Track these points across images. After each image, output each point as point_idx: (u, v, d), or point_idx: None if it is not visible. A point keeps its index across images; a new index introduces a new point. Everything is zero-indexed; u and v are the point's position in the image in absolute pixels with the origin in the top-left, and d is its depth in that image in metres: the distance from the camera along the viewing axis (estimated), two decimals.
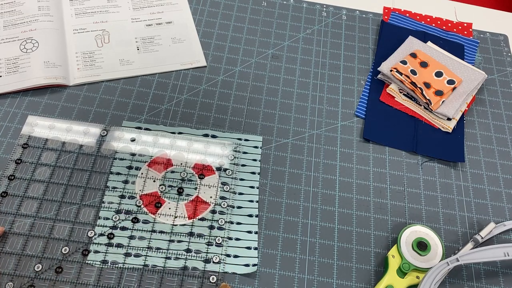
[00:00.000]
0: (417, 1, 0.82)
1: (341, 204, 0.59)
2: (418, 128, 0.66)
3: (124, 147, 0.60)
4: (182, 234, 0.55)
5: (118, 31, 0.72)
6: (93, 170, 0.58)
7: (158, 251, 0.54)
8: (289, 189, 0.60)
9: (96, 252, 0.53)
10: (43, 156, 0.59)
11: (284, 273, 0.54)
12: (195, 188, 0.58)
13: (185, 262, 0.53)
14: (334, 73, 0.71)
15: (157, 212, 0.56)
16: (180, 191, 0.58)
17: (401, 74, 0.68)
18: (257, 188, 0.59)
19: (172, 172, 0.59)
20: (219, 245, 0.55)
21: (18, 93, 0.64)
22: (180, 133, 0.63)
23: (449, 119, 0.66)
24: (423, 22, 0.79)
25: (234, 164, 0.61)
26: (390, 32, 0.76)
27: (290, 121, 0.66)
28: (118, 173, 0.58)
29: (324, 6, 0.79)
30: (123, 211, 0.56)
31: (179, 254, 0.54)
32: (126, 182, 0.58)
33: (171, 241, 0.54)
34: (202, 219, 0.56)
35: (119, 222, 0.55)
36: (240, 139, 0.63)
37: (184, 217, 0.56)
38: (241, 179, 0.60)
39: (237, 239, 0.55)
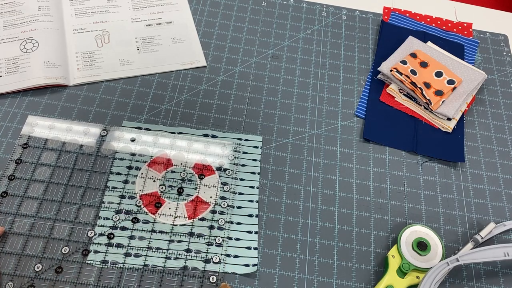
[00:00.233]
0: (417, 1, 0.82)
1: (341, 204, 0.59)
2: (418, 128, 0.66)
3: (124, 147, 0.60)
4: (182, 234, 0.55)
5: (118, 31, 0.72)
6: (93, 170, 0.58)
7: (158, 251, 0.54)
8: (289, 189, 0.60)
9: (96, 252, 0.53)
10: (43, 156, 0.59)
11: (284, 273, 0.54)
12: (195, 188, 0.58)
13: (185, 262, 0.53)
14: (334, 73, 0.71)
15: (157, 212, 0.56)
16: (180, 191, 0.58)
17: (401, 74, 0.68)
18: (257, 188, 0.59)
19: (172, 172, 0.59)
20: (219, 245, 0.55)
21: (18, 93, 0.64)
22: (180, 133, 0.63)
23: (449, 119, 0.66)
24: (423, 22, 0.79)
25: (234, 164, 0.61)
26: (390, 32, 0.76)
27: (290, 121, 0.66)
28: (118, 173, 0.58)
29: (324, 6, 0.79)
30: (123, 211, 0.56)
31: (179, 254, 0.54)
32: (126, 182, 0.58)
33: (171, 241, 0.54)
34: (202, 219, 0.56)
35: (119, 222, 0.55)
36: (240, 139, 0.63)
37: (184, 217, 0.56)
38: (241, 179, 0.60)
39: (237, 239, 0.55)
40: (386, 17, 0.79)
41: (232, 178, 0.60)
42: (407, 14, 0.79)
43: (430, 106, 0.66)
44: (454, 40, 0.77)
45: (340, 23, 0.77)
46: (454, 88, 0.68)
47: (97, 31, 0.71)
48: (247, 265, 0.54)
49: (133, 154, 0.60)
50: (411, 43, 0.73)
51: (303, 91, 0.69)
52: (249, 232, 0.56)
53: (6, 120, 0.61)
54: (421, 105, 0.68)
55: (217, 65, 0.70)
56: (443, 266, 0.52)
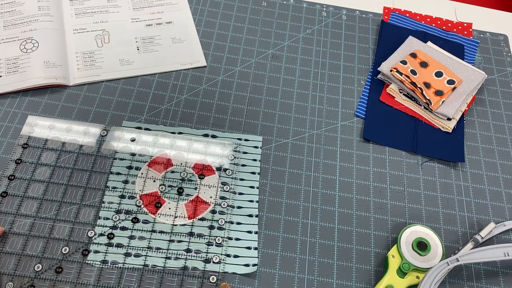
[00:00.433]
0: (417, 1, 0.82)
1: (341, 204, 0.59)
2: (418, 128, 0.66)
3: (124, 147, 0.60)
4: (182, 234, 0.55)
5: (118, 31, 0.72)
6: (93, 170, 0.58)
7: (158, 251, 0.54)
8: (289, 189, 0.60)
9: (96, 252, 0.53)
10: (43, 156, 0.59)
11: (284, 273, 0.54)
12: (195, 188, 0.58)
13: (185, 262, 0.53)
14: (334, 73, 0.71)
15: (157, 212, 0.56)
16: (180, 191, 0.58)
17: (401, 74, 0.68)
18: (257, 188, 0.59)
19: (172, 172, 0.59)
20: (219, 245, 0.55)
21: (18, 93, 0.64)
22: (180, 133, 0.63)
23: (449, 119, 0.66)
24: (423, 22, 0.79)
25: (234, 164, 0.61)
26: (390, 32, 0.76)
27: (290, 121, 0.66)
28: (118, 173, 0.58)
29: (324, 6, 0.79)
30: (123, 211, 0.56)
31: (179, 254, 0.54)
32: (126, 182, 0.58)
33: (171, 241, 0.54)
34: (202, 219, 0.56)
35: (119, 222, 0.55)
36: (240, 139, 0.63)
37: (184, 217, 0.56)
38: (241, 179, 0.60)
39: (237, 239, 0.55)
40: (386, 17, 0.79)
41: (232, 178, 0.60)
42: (407, 14, 0.79)
43: (430, 106, 0.66)
44: (454, 40, 0.77)
45: (340, 23, 0.77)
46: (454, 88, 0.68)
47: (97, 31, 0.71)
48: (247, 265, 0.54)
49: (133, 154, 0.60)
50: (411, 43, 0.73)
51: (303, 91, 0.69)
52: (249, 232, 0.56)
53: (6, 120, 0.61)
54: (421, 105, 0.68)
55: (217, 65, 0.70)
56: (443, 266, 0.52)
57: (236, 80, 0.69)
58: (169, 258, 0.53)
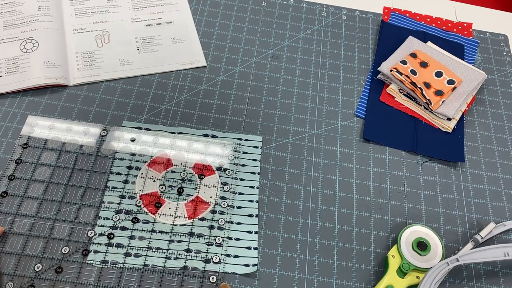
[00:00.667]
0: (417, 1, 0.82)
1: (341, 204, 0.59)
2: (418, 128, 0.66)
3: (124, 147, 0.60)
4: (182, 234, 0.55)
5: (118, 31, 0.72)
6: (93, 170, 0.58)
7: (158, 251, 0.54)
8: (289, 189, 0.60)
9: (96, 252, 0.53)
10: (43, 156, 0.59)
11: (284, 273, 0.54)
12: (195, 188, 0.58)
13: (185, 262, 0.53)
14: (334, 73, 0.71)
15: (157, 212, 0.56)
16: (180, 191, 0.58)
17: (401, 74, 0.68)
18: (257, 188, 0.59)
19: (172, 172, 0.59)
20: (219, 245, 0.55)
21: (18, 93, 0.64)
22: (180, 133, 0.63)
23: (449, 119, 0.66)
24: (423, 22, 0.79)
25: (234, 164, 0.61)
26: (390, 32, 0.76)
27: (290, 121, 0.66)
28: (118, 173, 0.58)
29: (324, 6, 0.79)
30: (123, 211, 0.56)
31: (179, 254, 0.54)
32: (126, 182, 0.58)
33: (171, 241, 0.54)
34: (202, 219, 0.56)
35: (119, 222, 0.55)
36: (240, 139, 0.63)
37: (184, 217, 0.56)
38: (241, 179, 0.60)
39: (237, 239, 0.55)
40: (386, 17, 0.79)
41: (232, 178, 0.60)
42: (407, 14, 0.79)
43: (430, 106, 0.66)
44: (454, 40, 0.77)
45: (340, 23, 0.77)
46: (454, 88, 0.68)
47: (97, 31, 0.71)
48: (247, 265, 0.54)
49: (133, 154, 0.60)
50: (411, 43, 0.73)
51: (303, 91, 0.69)
52: (249, 232, 0.56)
53: (6, 120, 0.61)
54: (421, 105, 0.68)
55: (217, 65, 0.70)
56: (443, 266, 0.52)
57: (236, 80, 0.69)
58: (169, 258, 0.53)
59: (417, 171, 0.63)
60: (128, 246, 0.54)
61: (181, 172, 0.59)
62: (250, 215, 0.57)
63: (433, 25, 0.79)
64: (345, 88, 0.70)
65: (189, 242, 0.55)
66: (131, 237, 0.54)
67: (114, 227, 0.55)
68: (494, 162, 0.65)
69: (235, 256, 0.54)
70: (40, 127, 0.61)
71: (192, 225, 0.56)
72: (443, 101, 0.66)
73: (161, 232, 0.55)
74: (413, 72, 0.68)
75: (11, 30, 0.69)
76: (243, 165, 0.61)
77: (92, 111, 0.63)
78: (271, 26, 0.76)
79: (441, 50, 0.72)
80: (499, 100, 0.72)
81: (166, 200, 0.57)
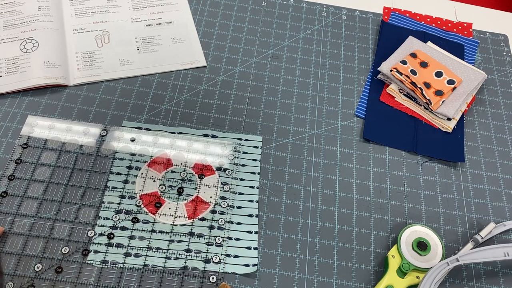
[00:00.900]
0: (417, 1, 0.82)
1: (341, 204, 0.59)
2: (418, 128, 0.66)
3: (124, 147, 0.60)
4: (182, 234, 0.55)
5: (118, 31, 0.72)
6: (93, 170, 0.58)
7: (158, 251, 0.54)
8: (289, 189, 0.60)
9: (96, 252, 0.53)
10: (43, 156, 0.59)
11: (284, 273, 0.54)
12: (195, 188, 0.58)
13: (185, 262, 0.53)
14: (334, 73, 0.71)
15: (157, 212, 0.56)
16: (180, 191, 0.58)
17: (401, 74, 0.68)
18: (257, 188, 0.59)
19: (172, 172, 0.59)
20: (219, 245, 0.55)
21: (18, 93, 0.64)
22: (180, 133, 0.63)
23: (449, 119, 0.66)
24: (423, 22, 0.79)
25: (234, 164, 0.61)
26: (390, 32, 0.76)
27: (290, 121, 0.66)
28: (118, 173, 0.58)
29: (324, 6, 0.79)
30: (123, 211, 0.56)
31: (179, 254, 0.54)
32: (126, 182, 0.58)
33: (171, 241, 0.54)
34: (202, 219, 0.56)
35: (119, 222, 0.55)
36: (240, 139, 0.63)
37: (184, 217, 0.56)
38: (241, 179, 0.60)
39: (237, 239, 0.55)
40: (386, 17, 0.79)
41: (232, 178, 0.60)
42: (407, 14, 0.79)
43: (430, 106, 0.66)
44: (454, 40, 0.77)
45: (340, 23, 0.77)
46: (454, 88, 0.68)
47: (97, 31, 0.71)
48: (247, 265, 0.54)
49: (133, 154, 0.60)
50: (411, 43, 0.73)
51: (303, 91, 0.69)
52: (249, 232, 0.56)
53: (6, 120, 0.61)
54: (421, 105, 0.68)
55: (217, 65, 0.70)
56: (443, 266, 0.52)
57: (236, 80, 0.69)
58: (169, 258, 0.53)
59: (417, 171, 0.63)
60: (128, 246, 0.54)
61: (181, 172, 0.59)
62: (250, 215, 0.57)
63: (433, 25, 0.79)
64: (345, 88, 0.70)
65: (189, 242, 0.55)
66: (131, 237, 0.54)
67: (114, 227, 0.55)
68: (494, 162, 0.65)
69: (235, 256, 0.54)
70: (40, 127, 0.61)
71: (192, 225, 0.56)
72: (443, 101, 0.66)
73: (161, 232, 0.55)
74: (413, 72, 0.68)
75: (11, 30, 0.69)
76: (243, 165, 0.61)
77: (92, 111, 0.63)
78: (271, 26, 0.76)
79: (441, 50, 0.72)
80: (499, 100, 0.72)
81: (166, 200, 0.57)
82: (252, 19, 0.76)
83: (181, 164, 0.60)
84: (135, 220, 0.55)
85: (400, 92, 0.69)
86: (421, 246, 0.54)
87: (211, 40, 0.73)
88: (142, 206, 0.56)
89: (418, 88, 0.66)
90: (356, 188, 0.61)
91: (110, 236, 0.54)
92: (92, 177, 0.58)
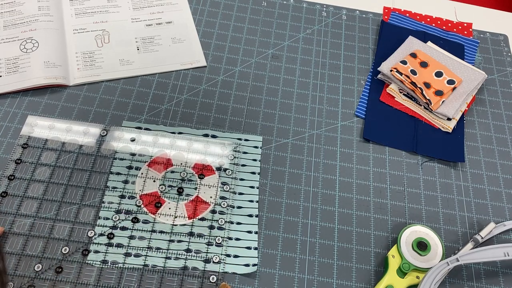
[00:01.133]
0: (417, 1, 0.82)
1: (341, 204, 0.59)
2: (418, 128, 0.66)
3: (124, 147, 0.60)
4: (182, 234, 0.55)
5: (118, 31, 0.72)
6: (93, 170, 0.58)
7: (158, 251, 0.54)
8: (289, 189, 0.60)
9: (96, 252, 0.53)
10: (43, 156, 0.59)
11: (284, 273, 0.54)
12: (195, 188, 0.58)
13: (185, 262, 0.53)
14: (334, 73, 0.71)
15: (157, 212, 0.56)
16: (180, 191, 0.58)
17: (401, 74, 0.68)
18: (257, 188, 0.59)
19: (172, 172, 0.59)
20: (219, 245, 0.55)
21: (18, 93, 0.64)
22: (180, 133, 0.63)
23: (449, 119, 0.66)
24: (423, 22, 0.79)
25: (234, 164, 0.61)
26: (390, 32, 0.76)
27: (290, 121, 0.66)
28: (118, 173, 0.58)
29: (324, 6, 0.79)
30: (123, 211, 0.56)
31: (179, 254, 0.54)
32: (126, 182, 0.58)
33: (171, 241, 0.54)
34: (202, 219, 0.56)
35: (119, 222, 0.55)
36: (240, 139, 0.63)
37: (184, 217, 0.56)
38: (241, 179, 0.60)
39: (237, 239, 0.55)
40: (386, 17, 0.79)
41: (232, 178, 0.60)
42: (407, 14, 0.79)
43: (430, 106, 0.66)
44: (454, 40, 0.77)
45: (340, 23, 0.77)
46: (454, 88, 0.68)
47: (97, 31, 0.71)
48: (247, 265, 0.54)
49: (133, 154, 0.60)
50: (411, 43, 0.73)
51: (303, 91, 0.69)
52: (249, 232, 0.56)
53: (6, 120, 0.61)
54: (421, 105, 0.68)
55: (217, 65, 0.70)
56: (443, 266, 0.52)
57: (236, 80, 0.69)
58: (169, 258, 0.53)
59: (417, 171, 0.63)
60: (128, 246, 0.54)
61: (181, 172, 0.59)
62: (250, 215, 0.57)
63: (433, 25, 0.79)
64: (345, 88, 0.70)
65: (189, 242, 0.55)
66: (131, 237, 0.54)
67: (114, 227, 0.55)
68: (494, 162, 0.65)
69: (235, 256, 0.54)
70: (40, 127, 0.61)
71: (192, 225, 0.56)
72: (443, 101, 0.66)
73: (161, 232, 0.55)
74: (413, 72, 0.68)
75: (11, 30, 0.69)
76: (243, 165, 0.61)
77: (92, 111, 0.63)
78: (271, 26, 0.76)
79: (441, 50, 0.72)
80: (499, 100, 0.72)
81: (166, 200, 0.57)
82: (252, 19, 0.76)
83: (181, 164, 0.60)
84: (135, 220, 0.55)
85: (400, 92, 0.69)
86: (421, 246, 0.54)
87: (211, 40, 0.73)
88: (142, 206, 0.56)
89: (418, 88, 0.66)
90: (356, 188, 0.61)
91: (110, 236, 0.54)
92: (92, 177, 0.58)
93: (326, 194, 0.60)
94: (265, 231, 0.56)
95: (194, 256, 0.54)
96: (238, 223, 0.56)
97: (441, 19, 0.80)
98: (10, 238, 0.53)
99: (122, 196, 0.57)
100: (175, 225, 0.55)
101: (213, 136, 0.63)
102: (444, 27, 0.79)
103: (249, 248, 0.55)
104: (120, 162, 0.59)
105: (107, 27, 0.72)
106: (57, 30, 0.70)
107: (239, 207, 0.57)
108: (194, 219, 0.56)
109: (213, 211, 0.57)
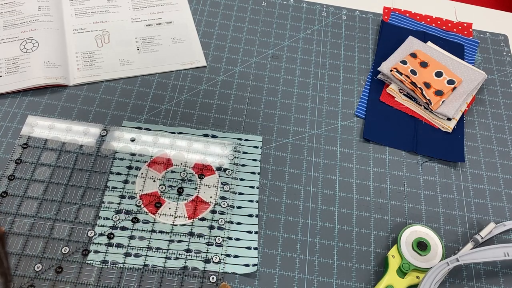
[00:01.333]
0: (417, 1, 0.82)
1: (341, 204, 0.59)
2: (418, 128, 0.66)
3: (124, 147, 0.60)
4: (182, 234, 0.55)
5: (118, 31, 0.72)
6: (93, 170, 0.58)
7: (158, 251, 0.54)
8: (289, 189, 0.60)
9: (96, 252, 0.53)
10: (43, 156, 0.59)
11: (284, 273, 0.54)
12: (195, 188, 0.58)
13: (185, 262, 0.53)
14: (334, 73, 0.71)
15: (157, 212, 0.56)
16: (180, 191, 0.58)
17: (401, 74, 0.68)
18: (257, 188, 0.59)
19: (172, 172, 0.59)
20: (219, 245, 0.55)
21: (18, 93, 0.64)
22: (180, 133, 0.63)
23: (449, 119, 0.66)
24: (423, 22, 0.79)
25: (234, 164, 0.61)
26: (390, 32, 0.76)
27: (290, 121, 0.66)
28: (118, 173, 0.58)
29: (324, 6, 0.79)
30: (123, 211, 0.56)
31: (179, 254, 0.54)
32: (126, 182, 0.58)
33: (171, 241, 0.54)
34: (202, 219, 0.56)
35: (119, 222, 0.55)
36: (240, 139, 0.63)
37: (184, 217, 0.56)
38: (241, 179, 0.60)
39: (237, 239, 0.55)
40: (386, 17, 0.79)
41: (232, 178, 0.60)
42: (407, 14, 0.79)
43: (430, 106, 0.66)
44: (454, 40, 0.77)
45: (340, 23, 0.77)
46: (454, 88, 0.68)
47: (97, 31, 0.71)
48: (247, 265, 0.54)
49: (133, 154, 0.60)
50: (411, 43, 0.73)
51: (303, 91, 0.69)
52: (249, 232, 0.56)
53: (6, 120, 0.61)
54: (421, 105, 0.68)
55: (217, 65, 0.70)
56: (443, 266, 0.52)
57: (236, 80, 0.69)
58: (169, 258, 0.53)
59: (417, 171, 0.63)
60: (128, 246, 0.54)
61: (181, 172, 0.59)
62: (250, 215, 0.57)
63: (433, 25, 0.79)
64: (345, 88, 0.70)
65: (189, 242, 0.55)
66: (131, 237, 0.54)
67: (114, 227, 0.55)
68: (494, 162, 0.65)
69: (235, 256, 0.54)
70: (40, 127, 0.61)
71: (192, 225, 0.56)
72: (443, 101, 0.66)
73: (161, 232, 0.55)
74: (413, 72, 0.68)
75: (11, 30, 0.69)
76: (243, 165, 0.61)
77: (92, 111, 0.63)
78: (271, 26, 0.76)
79: (441, 50, 0.72)
80: (499, 100, 0.72)
81: (166, 200, 0.57)
82: (252, 19, 0.76)
83: (181, 164, 0.60)
84: (135, 220, 0.55)
85: (400, 92, 0.69)
86: (421, 246, 0.54)
87: (211, 40, 0.73)
88: (142, 206, 0.56)
89: (418, 88, 0.66)
90: (356, 188, 0.61)
91: (110, 236, 0.54)
92: (92, 177, 0.58)
93: (326, 194, 0.60)
94: (265, 231, 0.56)
95: (194, 256, 0.54)
96: (238, 223, 0.56)
97: (441, 19, 0.80)
98: (10, 238, 0.53)
99: (122, 196, 0.57)
100: (175, 225, 0.55)
101: (213, 136, 0.63)
102: (444, 27, 0.79)
103: (249, 248, 0.55)
104: (120, 162, 0.59)
105: (107, 27, 0.72)
106: (57, 30, 0.70)
107: (239, 207, 0.57)
108: (194, 219, 0.56)
109: (213, 211, 0.57)
